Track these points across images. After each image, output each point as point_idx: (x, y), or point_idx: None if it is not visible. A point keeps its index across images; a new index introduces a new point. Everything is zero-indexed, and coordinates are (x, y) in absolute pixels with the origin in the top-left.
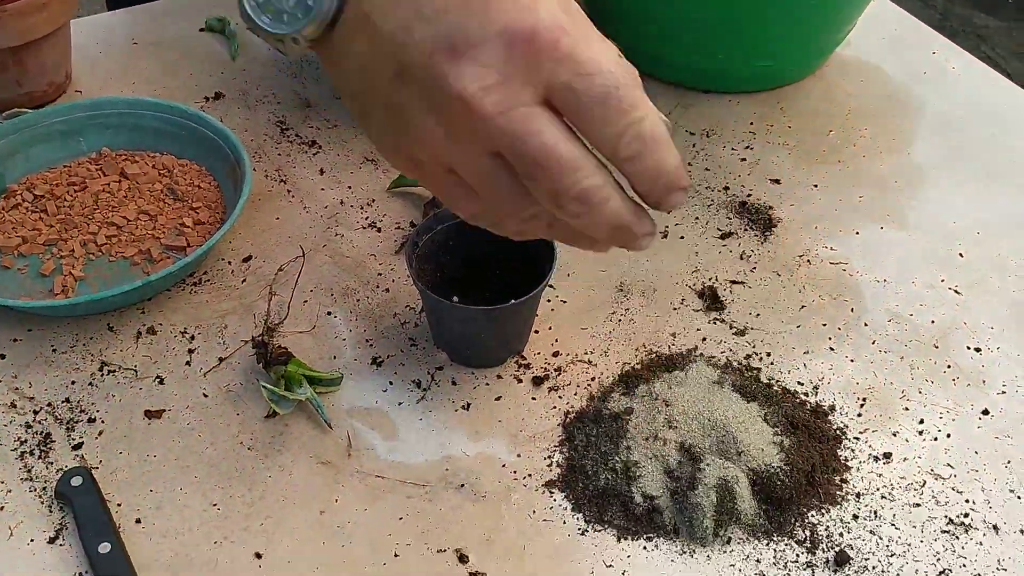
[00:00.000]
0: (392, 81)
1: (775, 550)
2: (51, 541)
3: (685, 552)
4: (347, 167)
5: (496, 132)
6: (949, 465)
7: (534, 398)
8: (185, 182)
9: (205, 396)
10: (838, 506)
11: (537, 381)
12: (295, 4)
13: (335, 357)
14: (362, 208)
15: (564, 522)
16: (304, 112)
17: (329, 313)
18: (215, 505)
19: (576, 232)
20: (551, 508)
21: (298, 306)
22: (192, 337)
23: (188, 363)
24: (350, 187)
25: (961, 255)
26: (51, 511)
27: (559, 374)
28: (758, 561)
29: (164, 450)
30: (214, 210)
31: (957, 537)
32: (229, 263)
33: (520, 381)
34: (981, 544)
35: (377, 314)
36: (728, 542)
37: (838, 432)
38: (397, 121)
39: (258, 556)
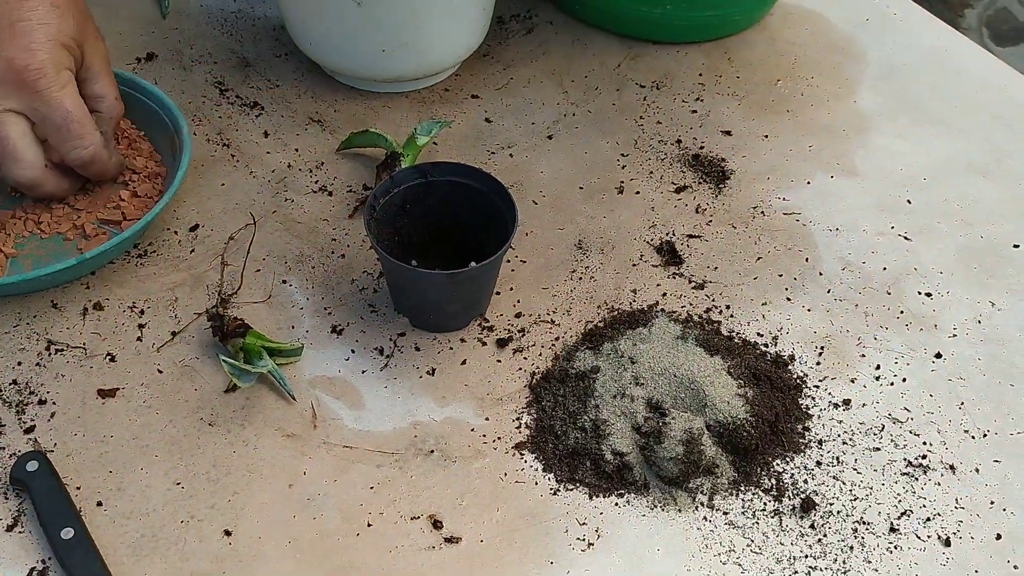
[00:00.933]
0: None
1: (743, 500)
2: (9, 529)
3: (656, 506)
4: (292, 128)
5: None
6: (906, 409)
7: (499, 360)
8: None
9: (160, 372)
10: (802, 454)
11: (501, 343)
12: None
13: (293, 327)
14: (311, 171)
15: (536, 483)
16: (243, 71)
17: (284, 281)
18: (179, 484)
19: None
20: (522, 470)
21: (251, 275)
22: (142, 311)
23: (140, 339)
24: (297, 149)
25: (909, 201)
26: (7, 498)
27: (523, 335)
28: (726, 513)
29: (121, 429)
30: (152, 181)
31: (916, 479)
32: (175, 233)
33: (484, 344)
34: (939, 484)
35: (334, 281)
36: (697, 493)
37: (798, 381)
38: None
39: (227, 533)
